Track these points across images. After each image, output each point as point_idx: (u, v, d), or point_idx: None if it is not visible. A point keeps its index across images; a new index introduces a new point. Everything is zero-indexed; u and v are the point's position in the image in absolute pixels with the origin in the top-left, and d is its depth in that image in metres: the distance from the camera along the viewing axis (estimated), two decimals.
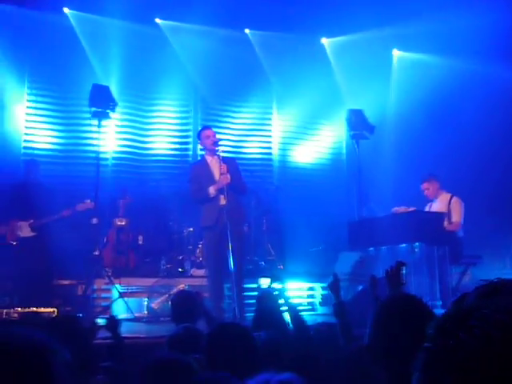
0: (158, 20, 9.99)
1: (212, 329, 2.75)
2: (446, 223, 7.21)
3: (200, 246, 8.39)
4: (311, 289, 8.30)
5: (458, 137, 9.60)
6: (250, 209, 8.88)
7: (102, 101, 7.42)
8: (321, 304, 8.02)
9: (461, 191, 7.72)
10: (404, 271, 2.90)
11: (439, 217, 6.96)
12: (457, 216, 7.35)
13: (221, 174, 6.43)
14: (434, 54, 10.26)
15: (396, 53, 11.17)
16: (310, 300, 8.22)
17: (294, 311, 3.93)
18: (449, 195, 7.55)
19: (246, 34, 10.58)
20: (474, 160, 9.63)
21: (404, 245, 6.85)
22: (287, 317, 3.89)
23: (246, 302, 6.58)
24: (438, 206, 7.54)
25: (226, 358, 2.45)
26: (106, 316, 4.66)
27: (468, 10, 8.58)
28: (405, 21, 9.37)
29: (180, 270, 8.37)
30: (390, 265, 2.96)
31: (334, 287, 3.65)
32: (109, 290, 7.41)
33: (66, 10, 9.38)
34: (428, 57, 10.48)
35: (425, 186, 7.64)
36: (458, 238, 7.30)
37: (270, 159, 10.90)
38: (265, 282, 7.29)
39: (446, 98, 9.76)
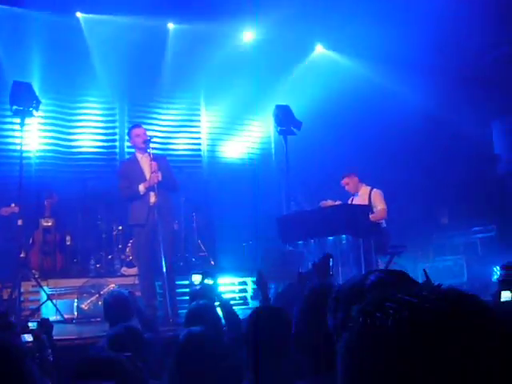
0: (78, 14, 9.71)
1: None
2: (371, 215, 7.45)
3: (130, 244, 8.32)
4: (243, 283, 8.41)
5: (377, 131, 10.00)
6: (180, 205, 8.87)
7: (24, 98, 7.19)
8: (252, 298, 8.14)
9: (383, 183, 8.03)
10: (331, 263, 3.02)
11: (365, 209, 7.18)
12: (380, 204, 7.63)
13: (151, 172, 6.41)
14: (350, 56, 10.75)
15: (319, 49, 11.43)
16: (242, 294, 8.32)
17: (226, 306, 4.00)
18: (368, 188, 7.83)
19: (168, 28, 10.50)
20: (395, 152, 10.09)
21: (331, 237, 7.04)
22: (220, 312, 3.95)
23: (178, 298, 6.61)
24: (358, 199, 7.80)
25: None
26: (38, 319, 4.57)
27: (389, 21, 8.97)
28: (328, 18, 9.63)
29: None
30: (318, 257, 3.07)
31: (260, 284, 3.75)
32: (37, 293, 7.23)
33: None
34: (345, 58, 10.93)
35: (345, 181, 7.90)
36: (382, 229, 7.58)
37: (199, 155, 10.90)
38: (196, 279, 7.30)
39: (366, 96, 10.14)
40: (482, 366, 0.73)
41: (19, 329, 3.60)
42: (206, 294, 4.15)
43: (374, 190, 7.78)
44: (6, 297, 6.98)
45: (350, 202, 7.92)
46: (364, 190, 7.85)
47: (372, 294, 1.33)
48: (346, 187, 7.92)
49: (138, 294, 6.02)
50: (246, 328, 2.33)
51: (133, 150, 7.19)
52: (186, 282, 7.36)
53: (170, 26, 10.49)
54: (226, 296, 6.29)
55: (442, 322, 0.75)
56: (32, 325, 4.18)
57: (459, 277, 8.99)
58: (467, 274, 9.06)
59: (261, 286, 3.97)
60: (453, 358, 0.72)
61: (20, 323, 4.79)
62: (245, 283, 8.40)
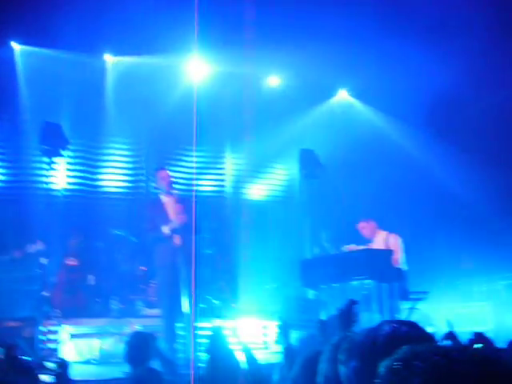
0: (107, 57, 9.94)
1: None
2: None
3: (152, 284, 8.30)
4: (265, 327, 8.30)
5: (393, 175, 10.09)
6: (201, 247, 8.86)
7: (53, 138, 7.35)
8: (275, 342, 8.00)
9: (404, 227, 7.97)
10: (356, 310, 2.97)
11: (388, 253, 7.11)
12: (396, 253, 7.52)
13: (176, 213, 6.45)
14: None
15: (343, 94, 11.57)
16: (264, 338, 8.20)
17: (246, 351, 3.95)
18: (385, 233, 7.75)
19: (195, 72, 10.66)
20: (417, 195, 10.12)
21: (355, 282, 6.96)
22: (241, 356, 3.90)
23: (199, 341, 6.54)
24: (375, 245, 7.73)
25: None
26: (55, 359, 4.55)
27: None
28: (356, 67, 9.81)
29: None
30: (341, 304, 3.02)
31: (282, 331, 3.71)
32: (57, 332, 7.22)
33: (12, 44, 9.20)
34: None
35: (361, 225, 7.84)
36: (404, 274, 7.48)
37: (224, 197, 10.95)
38: (217, 323, 7.29)
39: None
40: None
41: (36, 368, 3.59)
42: (223, 339, 4.10)
43: (391, 235, 7.70)
44: (26, 335, 6.99)
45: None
46: (380, 235, 7.77)
47: (386, 345, 1.34)
48: (363, 231, 7.84)
49: (158, 335, 5.98)
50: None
51: (158, 192, 7.25)
52: (207, 325, 7.32)
53: (206, 69, 10.59)
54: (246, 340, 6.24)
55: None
56: (50, 365, 4.16)
57: (484, 324, 8.76)
58: (493, 321, 8.83)
59: (282, 333, 3.91)
60: None
61: (38, 363, 4.76)
62: (267, 327, 8.28)
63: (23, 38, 9.10)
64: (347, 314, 2.88)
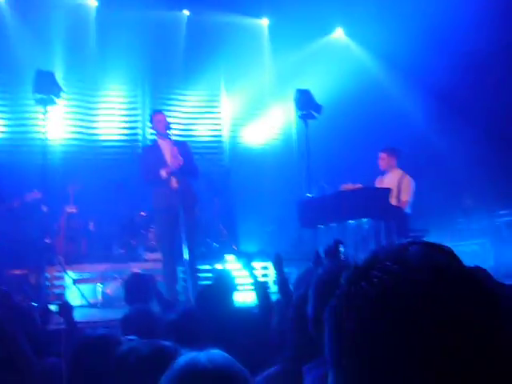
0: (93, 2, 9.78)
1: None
2: (394, 200, 7.37)
3: (152, 229, 8.39)
4: (265, 268, 8.43)
5: (397, 115, 10.00)
6: (201, 191, 8.91)
7: (46, 87, 7.26)
8: (275, 282, 8.15)
9: (404, 167, 7.94)
10: (342, 248, 3.00)
11: (385, 192, 7.09)
12: (406, 195, 7.47)
13: (172, 157, 6.45)
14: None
15: (339, 32, 11.36)
16: (264, 279, 8.34)
17: (261, 288, 4.01)
18: (400, 172, 7.65)
19: (184, 15, 10.50)
20: (416, 135, 10.09)
21: (352, 221, 7.00)
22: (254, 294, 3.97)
23: (200, 283, 6.66)
24: (388, 180, 7.61)
25: None
26: (58, 302, 4.66)
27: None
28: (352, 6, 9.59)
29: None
30: (326, 244, 3.06)
31: (277, 265, 3.76)
32: (62, 278, 7.37)
33: None
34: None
35: (382, 155, 7.69)
36: (404, 212, 7.49)
37: (220, 141, 10.94)
38: (230, 259, 7.44)
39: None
40: (458, 338, 0.70)
41: (40, 311, 3.68)
42: (228, 278, 4.17)
43: (407, 176, 7.60)
44: (32, 282, 7.14)
45: (378, 180, 7.79)
46: (396, 172, 7.64)
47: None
48: (380, 161, 7.72)
49: (159, 278, 6.09)
50: None
51: (155, 137, 7.24)
52: (208, 267, 7.44)
53: (186, 13, 10.49)
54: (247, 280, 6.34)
55: (424, 292, 0.72)
56: (53, 307, 4.27)
57: (486, 261, 8.85)
58: (494, 258, 8.92)
59: (277, 266, 3.98)
60: (433, 329, 0.71)
61: (42, 306, 4.88)
62: (266, 268, 8.41)
63: None
64: (333, 254, 2.91)
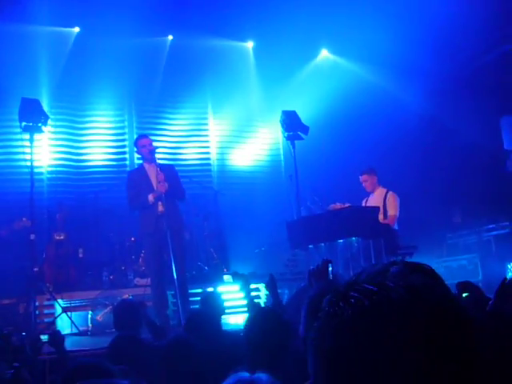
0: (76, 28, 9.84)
1: None
2: (381, 217, 7.44)
3: (142, 254, 8.36)
4: (256, 290, 8.40)
5: (386, 133, 10.05)
6: (190, 214, 8.90)
7: (32, 115, 7.26)
8: (265, 304, 8.13)
9: (393, 184, 8.01)
10: (330, 268, 3.01)
11: (373, 211, 7.17)
12: (392, 210, 7.59)
13: (158, 181, 6.46)
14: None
15: (324, 53, 11.47)
16: (256, 301, 8.30)
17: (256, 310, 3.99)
18: (384, 190, 7.79)
19: (170, 40, 10.59)
20: (405, 153, 10.15)
21: (341, 240, 7.03)
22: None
23: (192, 307, 6.62)
24: (374, 200, 7.76)
25: None
26: (49, 332, 4.61)
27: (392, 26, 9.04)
28: (334, 23, 9.69)
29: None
30: (316, 263, 3.06)
31: (270, 287, 3.76)
32: (51, 306, 7.30)
33: None
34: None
35: (364, 177, 7.84)
36: (392, 230, 7.54)
37: (209, 164, 10.96)
38: (227, 278, 7.46)
39: (372, 100, 10.24)
40: (432, 354, 0.73)
41: (31, 342, 3.64)
42: (216, 300, 4.17)
43: (390, 192, 7.72)
44: (21, 311, 7.06)
45: (364, 202, 7.90)
46: (380, 191, 7.80)
47: None
48: (364, 184, 7.84)
49: (149, 304, 6.05)
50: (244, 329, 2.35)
51: (141, 161, 7.25)
52: (199, 291, 7.40)
53: (170, 38, 10.57)
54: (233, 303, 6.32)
55: (398, 311, 0.75)
56: (44, 338, 4.22)
57: (474, 276, 8.90)
58: (482, 273, 8.97)
59: (270, 289, 3.98)
60: (405, 347, 0.73)
61: (33, 336, 4.83)
62: (258, 290, 8.39)
63: None
64: (322, 273, 2.92)
